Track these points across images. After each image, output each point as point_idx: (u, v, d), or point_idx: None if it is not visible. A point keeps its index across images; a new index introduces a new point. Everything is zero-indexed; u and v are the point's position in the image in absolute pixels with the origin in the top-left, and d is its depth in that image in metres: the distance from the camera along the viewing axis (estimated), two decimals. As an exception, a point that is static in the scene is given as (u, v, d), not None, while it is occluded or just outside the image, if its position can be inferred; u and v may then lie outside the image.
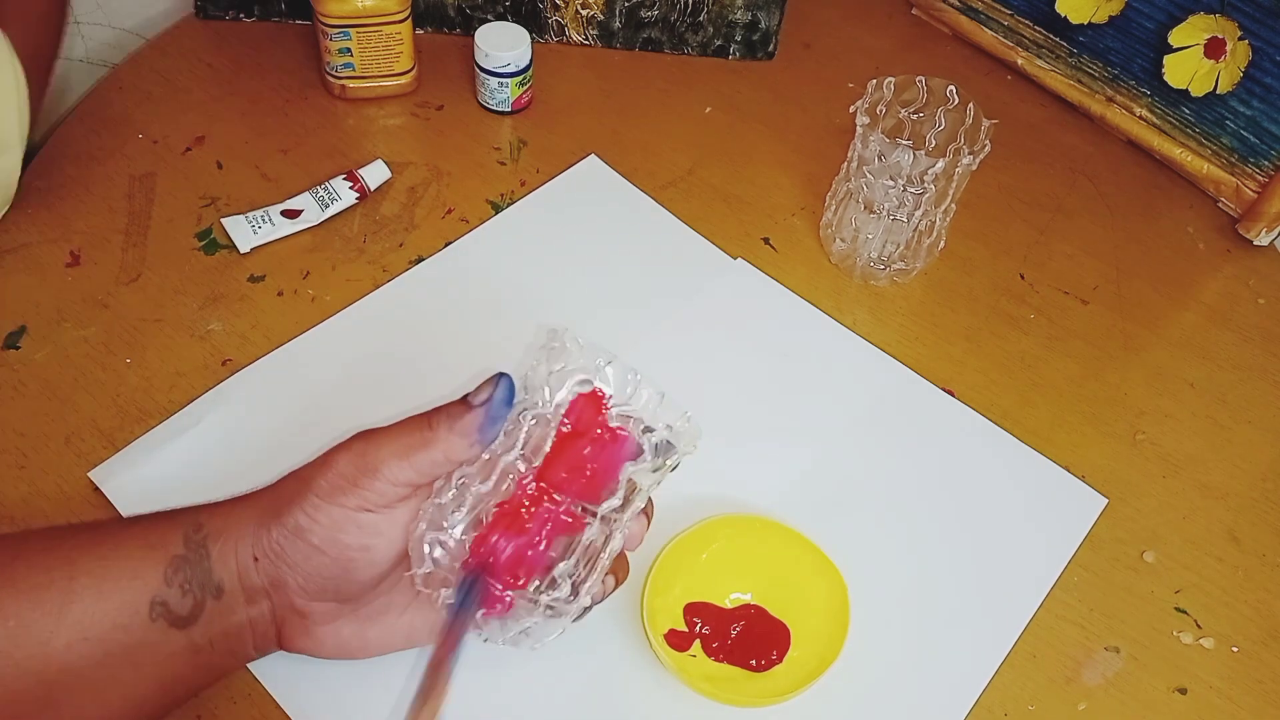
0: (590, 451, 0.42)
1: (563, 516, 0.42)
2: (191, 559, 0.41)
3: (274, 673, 0.48)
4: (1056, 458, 0.59)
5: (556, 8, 0.77)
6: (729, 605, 0.51)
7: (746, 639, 0.50)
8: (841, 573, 0.50)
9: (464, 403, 0.41)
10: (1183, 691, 0.52)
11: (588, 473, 0.42)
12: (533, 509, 0.41)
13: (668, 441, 0.43)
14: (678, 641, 0.50)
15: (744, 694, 0.49)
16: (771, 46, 0.80)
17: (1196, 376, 0.65)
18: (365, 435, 0.41)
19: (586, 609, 0.44)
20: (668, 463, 0.43)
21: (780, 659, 0.49)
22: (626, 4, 0.77)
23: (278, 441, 0.52)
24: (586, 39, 0.79)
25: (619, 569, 0.46)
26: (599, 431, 0.42)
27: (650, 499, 0.46)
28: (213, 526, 0.42)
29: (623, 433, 0.42)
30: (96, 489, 0.53)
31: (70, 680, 0.39)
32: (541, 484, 0.42)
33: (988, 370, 0.64)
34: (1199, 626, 0.54)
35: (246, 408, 0.57)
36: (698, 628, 0.50)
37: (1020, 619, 0.53)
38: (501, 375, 0.42)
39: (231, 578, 0.41)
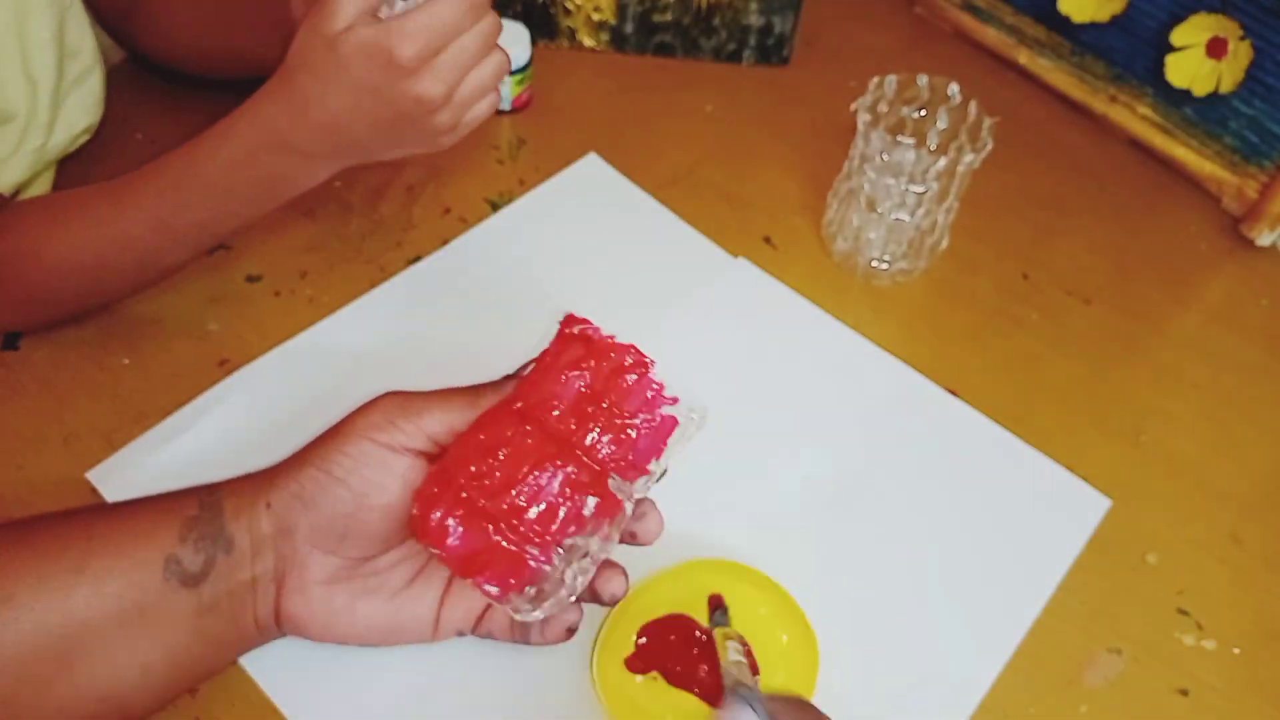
0: (546, 363, 0.43)
1: (528, 439, 0.41)
2: (205, 517, 0.43)
3: (273, 675, 0.48)
4: (1059, 459, 0.59)
5: (568, 13, 0.76)
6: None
7: (705, 655, 0.48)
8: (812, 622, 0.49)
9: (508, 377, 0.45)
10: (1184, 693, 0.52)
11: (534, 379, 0.43)
12: (496, 420, 0.42)
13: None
14: (635, 665, 0.48)
15: None
16: (786, 51, 0.79)
17: (1200, 377, 0.65)
18: (407, 391, 0.44)
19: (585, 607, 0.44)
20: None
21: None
22: (639, 9, 0.76)
23: (276, 441, 0.52)
24: (598, 44, 0.78)
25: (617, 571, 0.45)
26: (560, 344, 0.43)
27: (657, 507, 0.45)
28: (227, 489, 0.44)
29: (593, 336, 0.43)
30: (95, 490, 0.53)
31: (87, 636, 0.41)
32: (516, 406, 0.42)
33: (990, 370, 0.63)
34: (1201, 628, 0.54)
35: (245, 408, 0.56)
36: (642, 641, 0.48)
37: (1023, 621, 0.53)
38: None
39: (242, 532, 0.43)
